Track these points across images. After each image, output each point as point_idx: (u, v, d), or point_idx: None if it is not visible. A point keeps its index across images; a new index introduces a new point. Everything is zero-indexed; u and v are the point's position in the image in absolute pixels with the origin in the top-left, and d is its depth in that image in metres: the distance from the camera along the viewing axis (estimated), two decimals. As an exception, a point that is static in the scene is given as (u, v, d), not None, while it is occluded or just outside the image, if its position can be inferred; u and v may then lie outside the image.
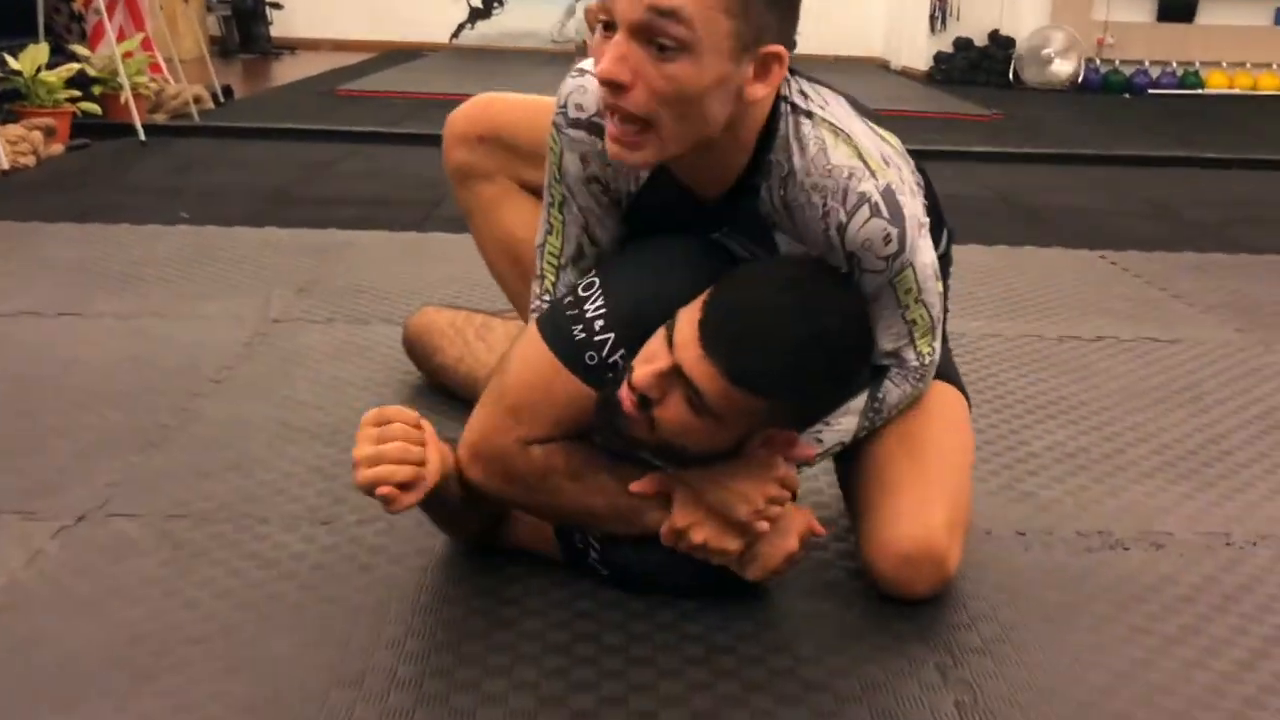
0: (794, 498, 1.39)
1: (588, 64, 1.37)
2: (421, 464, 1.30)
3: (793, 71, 1.33)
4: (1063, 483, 1.86)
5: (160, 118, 5.59)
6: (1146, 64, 9.79)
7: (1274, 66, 9.81)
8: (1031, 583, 1.54)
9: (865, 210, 1.28)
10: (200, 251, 3.15)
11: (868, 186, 1.28)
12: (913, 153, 1.43)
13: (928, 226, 1.36)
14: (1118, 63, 9.81)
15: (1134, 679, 1.33)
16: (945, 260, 1.68)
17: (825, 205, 1.29)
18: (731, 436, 1.32)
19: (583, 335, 1.35)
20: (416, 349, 2.16)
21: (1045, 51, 9.67)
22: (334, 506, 1.69)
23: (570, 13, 11.39)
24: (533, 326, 1.41)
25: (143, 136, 5.09)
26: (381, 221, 3.65)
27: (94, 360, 2.26)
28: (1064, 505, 1.78)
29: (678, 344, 1.25)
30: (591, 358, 1.35)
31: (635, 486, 1.36)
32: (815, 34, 11.60)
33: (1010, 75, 9.73)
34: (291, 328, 2.52)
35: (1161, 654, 1.38)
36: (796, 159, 1.31)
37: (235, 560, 1.53)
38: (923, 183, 1.43)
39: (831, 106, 1.34)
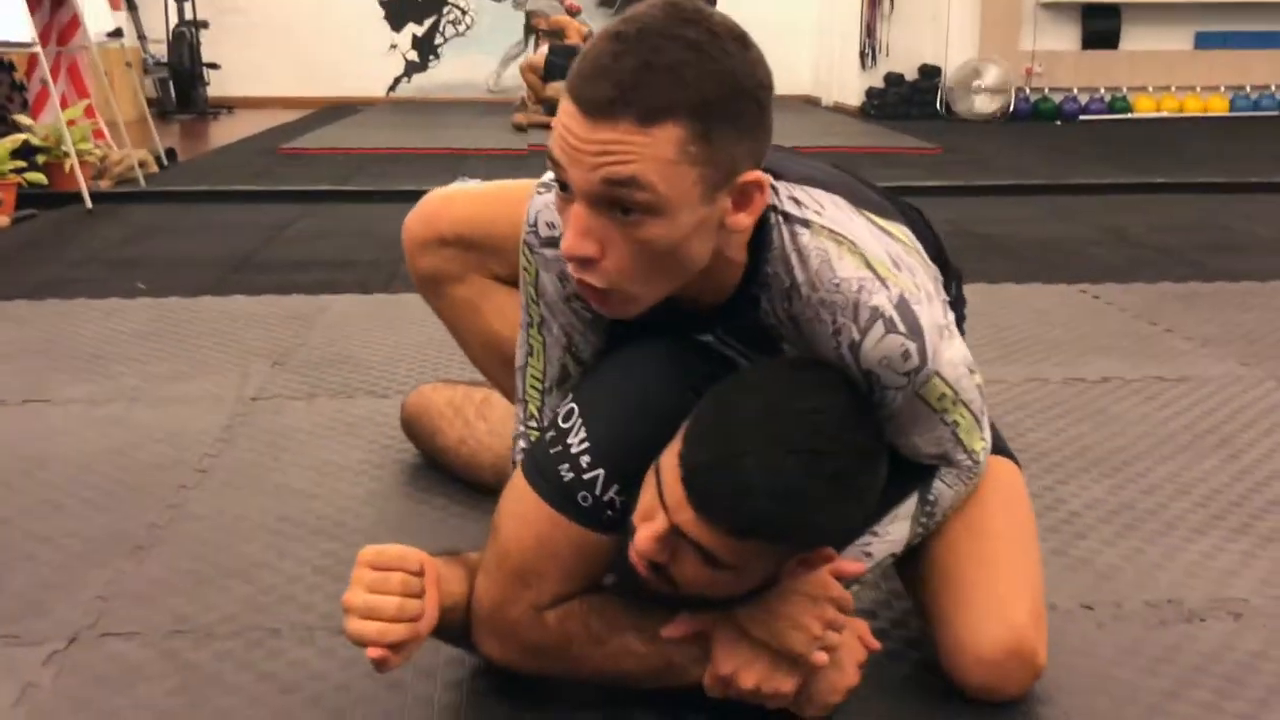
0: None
1: (550, 176, 1.21)
2: (419, 618, 1.17)
3: (776, 175, 1.21)
4: (1114, 545, 1.77)
5: (105, 184, 5.39)
6: (1075, 91, 9.95)
7: (1197, 89, 10.03)
8: (1116, 665, 1.44)
9: (880, 326, 1.16)
10: (165, 326, 2.99)
11: (880, 300, 1.17)
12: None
13: (951, 324, 1.25)
14: (1047, 90, 9.95)
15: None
16: (959, 304, 1.60)
17: (835, 322, 1.18)
18: (760, 576, 1.20)
19: (571, 475, 1.23)
20: (415, 429, 2.03)
21: (975, 83, 9.78)
22: (351, 612, 1.54)
23: (505, 63, 11.35)
24: (519, 475, 1.28)
25: (89, 204, 4.90)
26: (348, 284, 3.51)
27: (69, 454, 2.10)
28: (1124, 572, 1.69)
29: (669, 505, 1.13)
30: (585, 498, 1.22)
31: (667, 632, 1.23)
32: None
33: (940, 107, 9.83)
34: (272, 406, 2.38)
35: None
36: (799, 272, 1.19)
37: (251, 685, 1.38)
38: (939, 274, 1.32)
39: (829, 210, 1.22)
